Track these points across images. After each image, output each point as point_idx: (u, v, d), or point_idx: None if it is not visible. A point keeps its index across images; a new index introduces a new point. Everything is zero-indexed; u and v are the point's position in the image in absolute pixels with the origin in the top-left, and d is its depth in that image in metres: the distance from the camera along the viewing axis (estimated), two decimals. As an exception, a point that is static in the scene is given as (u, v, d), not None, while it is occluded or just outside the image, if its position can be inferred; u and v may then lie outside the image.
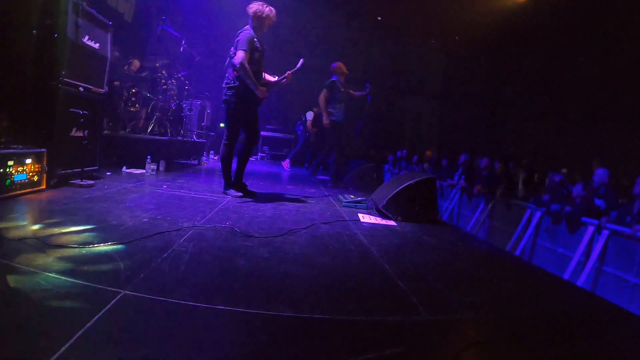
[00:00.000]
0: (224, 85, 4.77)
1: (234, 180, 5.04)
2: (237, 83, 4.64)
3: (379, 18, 16.60)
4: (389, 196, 4.65)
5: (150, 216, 3.38)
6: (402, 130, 16.97)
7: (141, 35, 10.97)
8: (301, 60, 5.00)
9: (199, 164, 9.03)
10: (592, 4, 12.45)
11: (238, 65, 4.48)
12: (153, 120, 7.78)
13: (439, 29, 16.50)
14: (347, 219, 4.36)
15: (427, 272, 2.82)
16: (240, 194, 4.94)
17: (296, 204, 4.99)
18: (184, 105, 9.04)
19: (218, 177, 6.49)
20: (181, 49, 9.35)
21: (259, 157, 13.49)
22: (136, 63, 8.44)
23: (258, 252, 2.77)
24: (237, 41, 4.59)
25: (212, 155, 10.98)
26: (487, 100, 16.36)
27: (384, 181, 12.44)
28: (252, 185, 5.55)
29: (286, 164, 10.52)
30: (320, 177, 8.39)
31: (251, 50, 4.56)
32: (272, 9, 4.83)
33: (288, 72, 4.95)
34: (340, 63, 7.34)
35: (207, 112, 11.00)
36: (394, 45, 16.56)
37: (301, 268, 2.56)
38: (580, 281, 5.17)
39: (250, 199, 4.83)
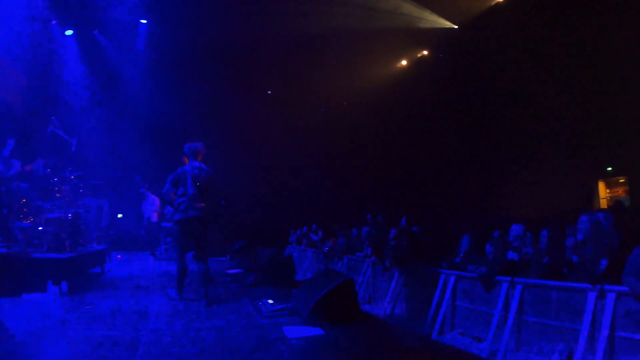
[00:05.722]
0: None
1: None
2: None
3: (269, 92, 17.54)
4: (312, 304, 4.89)
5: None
6: (302, 203, 17.22)
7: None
8: None
9: (102, 272, 8.50)
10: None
11: None
12: (49, 235, 7.23)
13: (327, 97, 17.79)
14: (274, 337, 4.47)
15: None
16: None
17: (214, 321, 5.03)
18: (79, 211, 8.53)
19: (123, 291, 6.81)
20: (73, 149, 9.09)
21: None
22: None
23: None
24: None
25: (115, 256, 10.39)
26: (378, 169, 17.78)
27: (294, 263, 12.45)
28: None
29: None
30: (232, 271, 8.30)
31: None
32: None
33: None
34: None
35: (105, 210, 10.50)
36: (284, 118, 17.36)
37: None
38: (506, 333, 5.65)
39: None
